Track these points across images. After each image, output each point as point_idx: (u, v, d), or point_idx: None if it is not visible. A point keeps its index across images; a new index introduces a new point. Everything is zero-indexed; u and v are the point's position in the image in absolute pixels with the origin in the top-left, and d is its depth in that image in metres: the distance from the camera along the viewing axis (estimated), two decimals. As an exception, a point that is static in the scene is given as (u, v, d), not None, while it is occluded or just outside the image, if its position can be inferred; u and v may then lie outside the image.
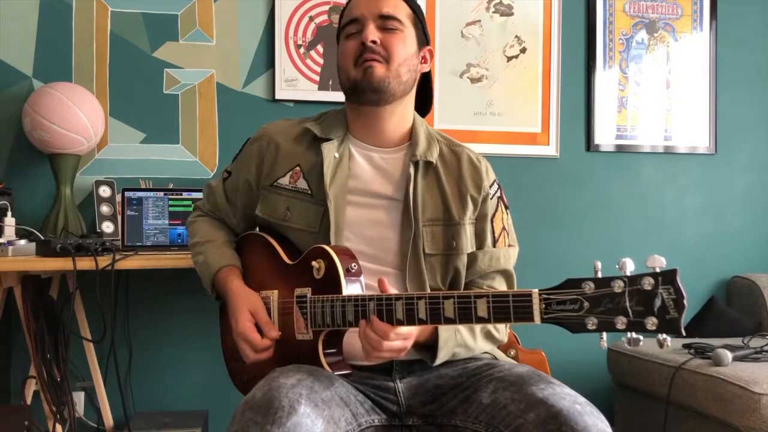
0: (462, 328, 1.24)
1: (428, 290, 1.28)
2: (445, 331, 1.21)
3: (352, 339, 1.25)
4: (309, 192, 1.33)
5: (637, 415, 2.30)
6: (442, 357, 1.22)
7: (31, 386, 2.07)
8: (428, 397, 1.24)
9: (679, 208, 2.74)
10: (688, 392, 1.98)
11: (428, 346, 1.23)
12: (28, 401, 2.08)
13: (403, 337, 1.11)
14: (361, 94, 1.29)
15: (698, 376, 1.95)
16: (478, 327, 1.28)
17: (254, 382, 1.15)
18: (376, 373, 1.26)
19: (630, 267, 0.92)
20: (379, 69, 1.28)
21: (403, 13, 1.32)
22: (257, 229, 1.46)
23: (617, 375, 2.39)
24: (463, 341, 1.24)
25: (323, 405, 1.07)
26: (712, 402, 1.90)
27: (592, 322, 0.92)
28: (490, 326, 1.31)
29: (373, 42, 1.27)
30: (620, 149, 2.68)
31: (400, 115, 1.35)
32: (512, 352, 2.02)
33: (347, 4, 1.37)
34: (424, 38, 1.37)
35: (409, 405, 1.23)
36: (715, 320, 2.48)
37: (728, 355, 1.94)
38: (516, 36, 2.60)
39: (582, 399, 1.09)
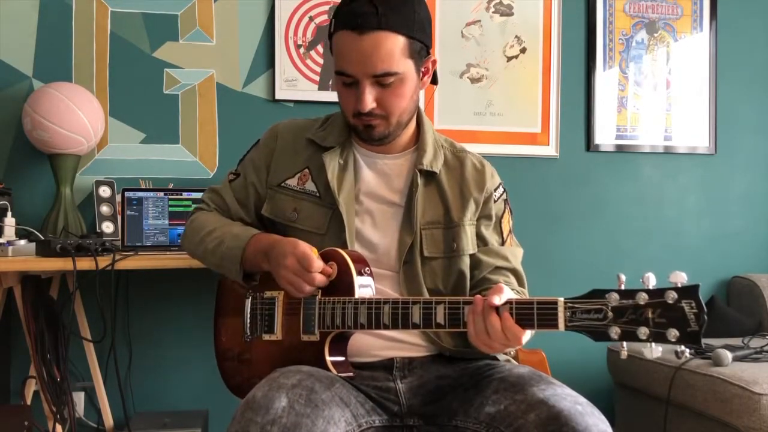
0: None
1: (426, 294, 1.28)
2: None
3: (356, 337, 1.26)
4: (317, 194, 1.34)
5: (637, 415, 2.30)
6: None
7: (31, 386, 2.07)
8: (429, 397, 1.24)
9: (679, 208, 2.74)
10: (688, 392, 1.98)
11: None
12: (28, 401, 2.08)
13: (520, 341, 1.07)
14: (362, 140, 1.32)
15: (698, 376, 1.95)
16: None
17: (250, 383, 1.15)
18: (377, 374, 1.26)
19: (653, 281, 0.96)
20: (380, 126, 1.26)
21: (398, 54, 1.20)
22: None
23: (617, 375, 2.39)
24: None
25: (323, 405, 1.07)
26: (712, 402, 1.90)
27: (615, 332, 0.97)
28: None
29: (371, 108, 1.23)
30: (620, 149, 2.68)
31: (405, 131, 1.35)
32: (512, 352, 2.02)
33: (335, 27, 1.23)
34: (425, 52, 1.27)
35: (410, 405, 1.23)
36: (715, 320, 2.48)
37: (728, 355, 1.94)
38: (516, 36, 2.60)
39: (583, 399, 1.09)
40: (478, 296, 1.08)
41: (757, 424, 1.79)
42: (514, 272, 1.37)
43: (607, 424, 1.06)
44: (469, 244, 1.32)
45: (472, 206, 1.34)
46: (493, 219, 1.36)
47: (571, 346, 2.53)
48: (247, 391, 1.10)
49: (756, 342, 2.14)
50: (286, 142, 1.40)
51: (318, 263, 1.17)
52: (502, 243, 1.37)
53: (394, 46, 1.20)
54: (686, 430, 2.05)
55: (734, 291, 2.68)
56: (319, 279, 1.18)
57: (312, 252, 1.18)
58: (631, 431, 2.33)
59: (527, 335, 1.07)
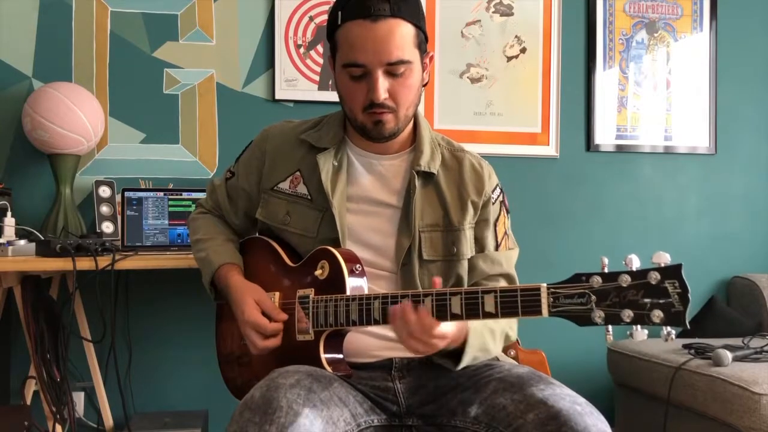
0: (486, 333, 1.22)
1: None
2: (472, 337, 1.18)
3: (354, 338, 1.26)
4: (308, 197, 1.33)
5: (637, 415, 2.30)
6: (465, 362, 1.19)
7: (31, 386, 2.07)
8: (428, 397, 1.24)
9: (679, 208, 2.74)
10: (688, 392, 1.98)
11: (451, 353, 1.19)
12: (28, 401, 2.08)
13: (440, 336, 1.08)
14: (370, 138, 1.29)
15: (698, 376, 1.95)
16: (498, 330, 1.27)
17: (249, 385, 1.15)
18: (375, 373, 1.26)
19: (636, 263, 0.95)
20: (390, 122, 1.25)
21: (410, 42, 1.21)
22: (257, 233, 1.46)
23: (617, 375, 2.39)
24: (485, 345, 1.22)
25: (322, 405, 1.07)
26: (712, 402, 1.90)
27: (599, 316, 0.94)
28: (507, 328, 1.30)
29: (384, 99, 1.22)
30: (620, 149, 2.68)
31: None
32: (512, 353, 2.02)
33: (342, 19, 1.23)
34: (425, 46, 1.27)
35: (409, 405, 1.23)
36: (715, 320, 2.48)
37: (728, 356, 1.94)
38: (516, 36, 2.60)
39: (582, 399, 1.09)
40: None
41: (757, 424, 1.79)
42: (507, 277, 1.36)
43: (606, 424, 1.06)
44: (468, 248, 1.32)
45: (471, 210, 1.33)
46: (490, 222, 1.35)
47: (571, 346, 2.54)
48: (246, 393, 1.10)
49: (756, 342, 2.13)
50: (276, 145, 1.39)
51: (271, 326, 1.23)
52: (497, 246, 1.36)
53: (406, 34, 1.21)
54: (686, 430, 2.04)
55: (734, 291, 2.68)
56: (273, 342, 1.24)
57: (261, 318, 1.24)
58: (631, 431, 2.33)
59: (447, 328, 1.08)
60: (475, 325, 1.18)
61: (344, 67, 1.23)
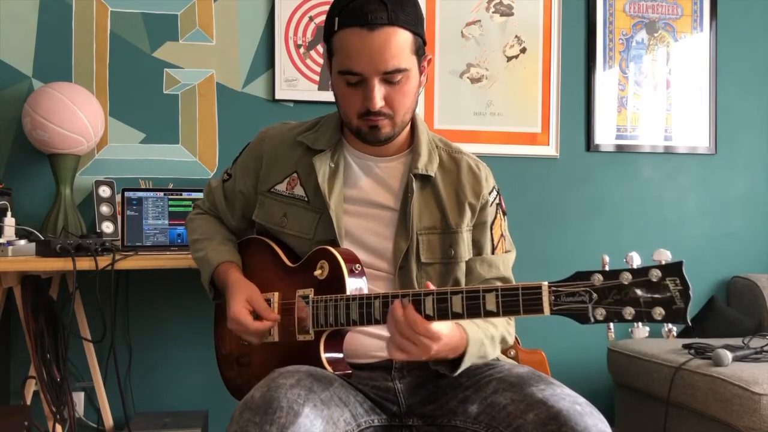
0: (486, 340, 1.21)
1: None
2: (472, 347, 1.17)
3: (354, 338, 1.26)
4: (305, 199, 1.33)
5: (637, 415, 2.30)
6: (462, 369, 1.18)
7: (31, 386, 2.07)
8: (428, 397, 1.24)
9: (679, 208, 2.74)
10: (688, 392, 1.98)
11: (449, 361, 1.19)
12: (28, 401, 2.08)
13: (432, 336, 1.06)
14: (366, 141, 1.29)
15: (698, 376, 1.95)
16: (498, 336, 1.26)
17: (249, 385, 1.15)
18: (375, 374, 1.26)
19: (637, 260, 0.94)
20: (386, 127, 1.24)
21: (407, 50, 1.20)
22: (255, 233, 1.46)
23: (617, 375, 2.39)
24: (483, 353, 1.21)
25: (322, 405, 1.07)
26: (712, 402, 1.90)
27: (600, 313, 0.95)
28: (505, 333, 1.29)
29: (380, 107, 1.21)
30: (620, 149, 2.68)
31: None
32: (512, 353, 2.02)
33: (339, 25, 1.20)
34: (423, 50, 1.26)
35: (409, 405, 1.23)
36: (715, 320, 2.48)
37: (728, 356, 1.94)
38: (516, 36, 2.60)
39: (582, 399, 1.09)
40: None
41: (757, 424, 1.79)
42: (504, 280, 1.35)
43: (606, 424, 1.06)
44: (465, 250, 1.31)
45: (468, 213, 1.32)
46: (487, 225, 1.35)
47: (571, 345, 2.54)
48: (246, 393, 1.10)
49: (756, 342, 2.14)
50: (273, 147, 1.39)
51: (254, 325, 1.24)
52: (493, 248, 1.35)
53: (403, 42, 1.19)
54: (686, 430, 2.04)
55: (734, 291, 2.68)
56: (260, 333, 1.25)
57: (245, 316, 1.25)
58: (631, 431, 2.33)
59: (441, 328, 1.06)
60: (476, 335, 1.17)
61: (340, 73, 1.22)
